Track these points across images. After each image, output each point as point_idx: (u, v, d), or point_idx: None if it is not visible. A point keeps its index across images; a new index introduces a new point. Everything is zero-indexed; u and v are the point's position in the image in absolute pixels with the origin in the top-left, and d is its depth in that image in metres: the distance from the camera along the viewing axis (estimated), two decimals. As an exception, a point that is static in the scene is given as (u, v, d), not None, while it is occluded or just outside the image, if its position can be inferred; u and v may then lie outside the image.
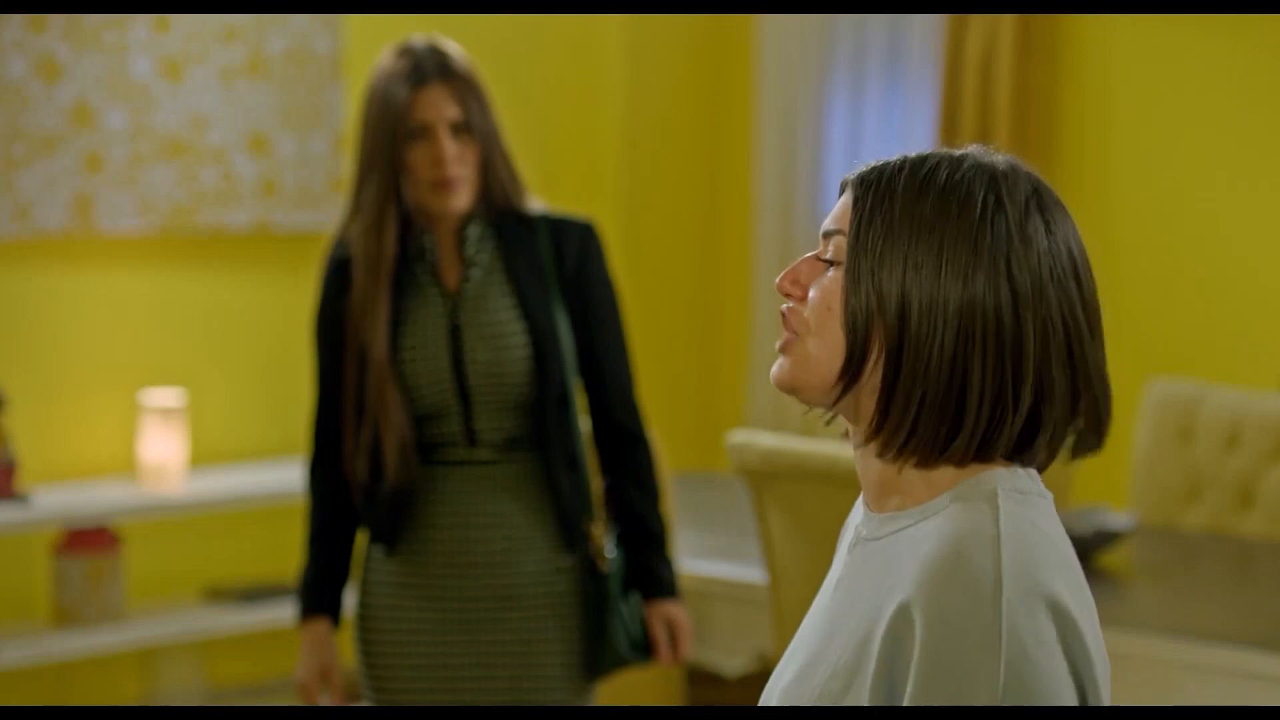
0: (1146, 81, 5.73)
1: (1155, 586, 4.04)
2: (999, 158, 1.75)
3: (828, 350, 1.74)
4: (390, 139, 3.18)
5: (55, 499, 5.19)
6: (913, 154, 1.76)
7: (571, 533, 3.27)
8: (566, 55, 6.31)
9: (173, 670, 5.52)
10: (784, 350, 1.77)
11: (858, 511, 1.84)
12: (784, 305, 1.78)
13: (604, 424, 3.33)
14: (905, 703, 1.63)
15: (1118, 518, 4.10)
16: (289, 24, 5.62)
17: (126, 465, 5.46)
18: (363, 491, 3.27)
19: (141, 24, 5.36)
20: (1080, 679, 1.65)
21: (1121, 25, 5.74)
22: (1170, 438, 4.69)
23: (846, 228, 1.74)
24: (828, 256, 1.75)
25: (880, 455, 1.73)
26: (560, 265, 3.28)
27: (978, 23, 5.84)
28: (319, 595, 3.34)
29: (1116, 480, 5.48)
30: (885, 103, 6.18)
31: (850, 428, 1.77)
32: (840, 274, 1.73)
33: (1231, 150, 5.60)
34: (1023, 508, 1.70)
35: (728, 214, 6.60)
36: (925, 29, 6.03)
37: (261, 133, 5.61)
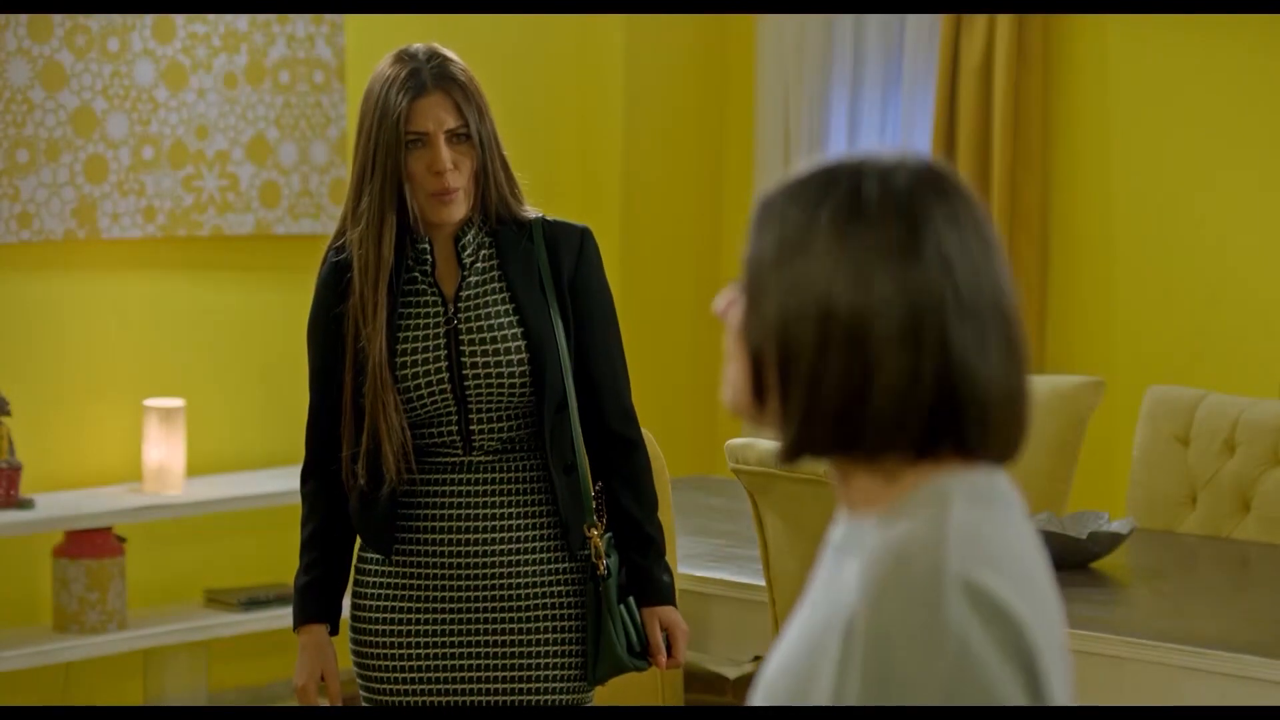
0: (1144, 83, 5.74)
1: (1152, 590, 4.06)
2: (889, 155, 1.74)
3: (741, 371, 1.75)
4: (388, 147, 3.18)
5: (58, 503, 5.21)
6: (801, 169, 1.76)
7: (569, 537, 3.28)
8: (567, 57, 6.32)
9: (174, 673, 5.53)
10: (725, 373, 1.79)
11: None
12: None
13: (599, 429, 3.32)
14: (852, 694, 1.63)
15: (1115, 522, 4.11)
16: (290, 30, 5.64)
17: (129, 469, 5.48)
18: (358, 498, 3.27)
19: (143, 31, 5.38)
20: (1035, 682, 1.64)
21: (1119, 26, 5.75)
22: (1167, 443, 4.71)
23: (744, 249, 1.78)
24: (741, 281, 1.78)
25: (782, 458, 1.75)
26: (556, 270, 3.28)
27: (976, 24, 5.86)
28: (316, 601, 3.36)
29: (1114, 485, 5.49)
30: (884, 104, 6.20)
31: None
32: (738, 293, 1.76)
33: (1229, 153, 5.61)
34: (975, 510, 1.69)
35: (727, 217, 6.61)
36: (924, 30, 6.05)
37: (263, 139, 5.62)
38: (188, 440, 5.49)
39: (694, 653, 4.35)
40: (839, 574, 1.74)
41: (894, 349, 1.68)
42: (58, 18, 5.23)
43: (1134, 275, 5.78)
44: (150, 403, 5.38)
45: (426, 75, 3.19)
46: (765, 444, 3.79)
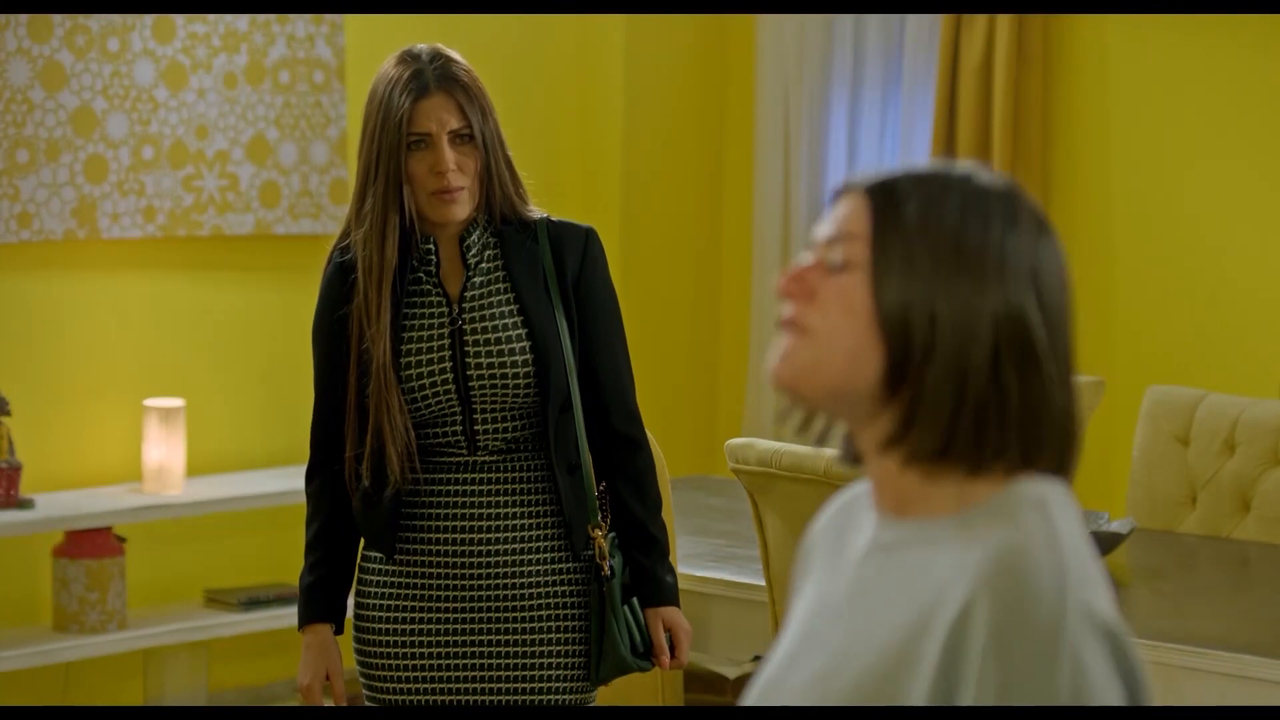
0: (1144, 83, 5.74)
1: (1152, 590, 4.06)
2: (998, 176, 1.77)
3: (850, 351, 1.72)
4: (392, 148, 3.18)
5: (58, 503, 5.21)
6: (917, 165, 1.76)
7: (573, 537, 3.29)
8: (567, 57, 6.32)
9: (174, 673, 5.53)
10: (789, 348, 1.74)
11: (851, 519, 1.85)
12: (787, 309, 1.76)
13: (603, 429, 3.33)
14: (966, 700, 1.63)
15: (1115, 522, 4.11)
16: (290, 30, 5.64)
17: (129, 469, 5.48)
18: (362, 498, 3.27)
19: (143, 31, 5.38)
20: (1136, 695, 1.66)
21: (1119, 26, 5.75)
22: (1167, 443, 4.71)
23: (859, 231, 1.73)
24: (838, 261, 1.74)
25: (907, 460, 1.72)
26: (561, 271, 3.29)
27: (976, 24, 5.86)
28: (321, 601, 3.35)
29: (1114, 485, 5.49)
30: (884, 104, 6.20)
31: (857, 432, 1.76)
32: (860, 278, 1.72)
33: (1229, 154, 5.61)
34: (1069, 519, 1.71)
35: (727, 218, 6.61)
36: (924, 30, 6.05)
37: (263, 139, 5.62)
38: (188, 440, 5.49)
39: (694, 653, 4.35)
40: (907, 571, 1.72)
41: (1049, 359, 1.71)
42: (58, 18, 5.23)
43: (1134, 275, 5.78)
44: (150, 403, 5.38)
45: (429, 76, 3.20)
46: (765, 444, 3.79)
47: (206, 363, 5.66)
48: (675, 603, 3.37)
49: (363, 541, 3.36)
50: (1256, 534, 4.52)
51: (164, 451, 5.34)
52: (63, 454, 5.41)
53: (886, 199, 1.73)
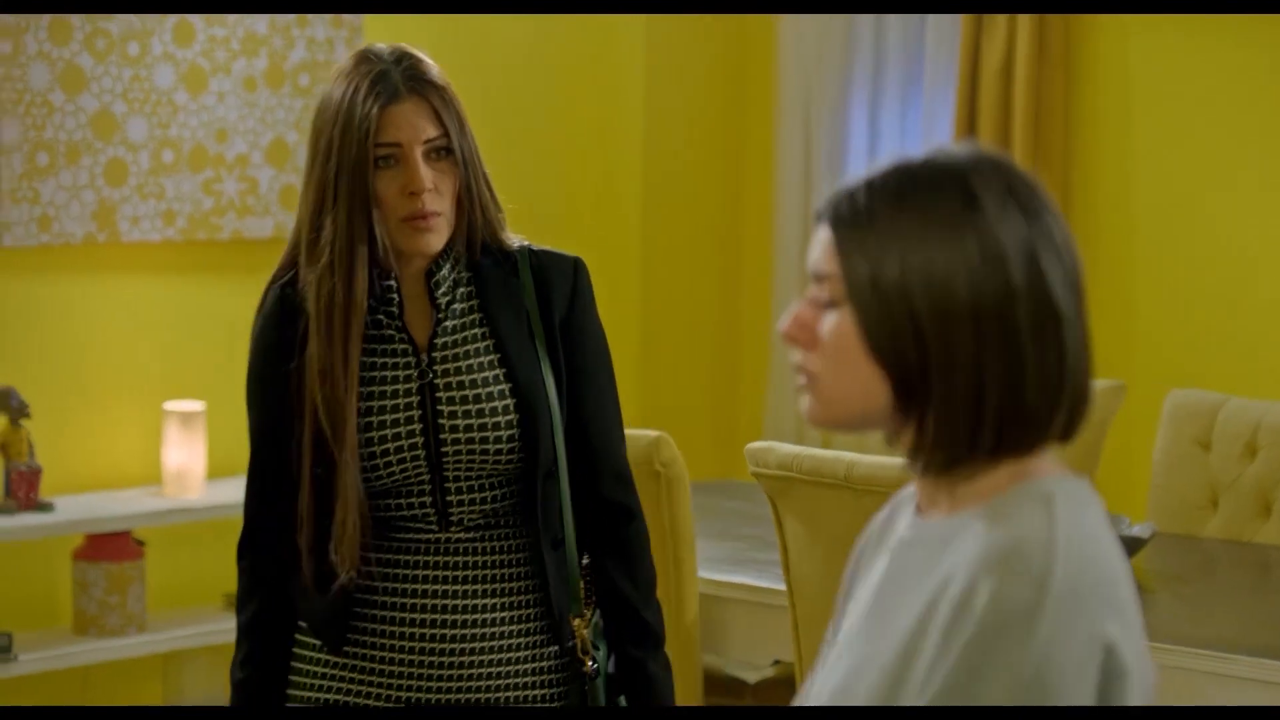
0: (1166, 84, 5.73)
1: (1173, 594, 4.05)
2: (963, 152, 1.75)
3: (859, 387, 1.74)
4: (356, 165, 2.68)
5: (78, 506, 5.21)
6: (874, 170, 1.76)
7: (557, 627, 2.79)
8: (586, 60, 6.32)
9: (193, 676, 5.53)
10: (807, 390, 1.78)
11: (895, 517, 1.87)
12: (796, 356, 1.78)
13: (591, 496, 2.83)
14: (934, 678, 1.66)
15: (1136, 526, 4.11)
16: (310, 34, 5.64)
17: (148, 472, 5.48)
18: (313, 579, 2.77)
19: (163, 35, 5.38)
20: (1108, 699, 1.67)
21: (1141, 26, 5.74)
22: (1188, 446, 4.69)
23: (833, 270, 1.75)
24: (825, 299, 1.76)
25: (930, 468, 1.75)
26: (546, 309, 2.81)
27: (996, 24, 5.84)
28: (253, 700, 2.91)
29: (1135, 489, 5.48)
30: (905, 106, 6.19)
31: (892, 440, 1.80)
32: (846, 315, 1.74)
33: (1252, 156, 5.60)
34: (1078, 514, 1.72)
35: (748, 222, 6.60)
36: (944, 31, 6.04)
37: (282, 142, 5.63)
38: (208, 443, 5.49)
39: (714, 657, 4.34)
40: (923, 566, 1.74)
41: (1033, 341, 1.71)
42: (78, 21, 5.23)
43: (1155, 278, 5.76)
44: (170, 406, 5.38)
45: (397, 78, 2.71)
46: (785, 448, 3.78)
47: (226, 366, 5.66)
48: (670, 701, 2.85)
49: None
50: (1278, 538, 4.51)
51: (184, 455, 5.34)
52: (82, 457, 5.42)
53: (848, 231, 1.74)
